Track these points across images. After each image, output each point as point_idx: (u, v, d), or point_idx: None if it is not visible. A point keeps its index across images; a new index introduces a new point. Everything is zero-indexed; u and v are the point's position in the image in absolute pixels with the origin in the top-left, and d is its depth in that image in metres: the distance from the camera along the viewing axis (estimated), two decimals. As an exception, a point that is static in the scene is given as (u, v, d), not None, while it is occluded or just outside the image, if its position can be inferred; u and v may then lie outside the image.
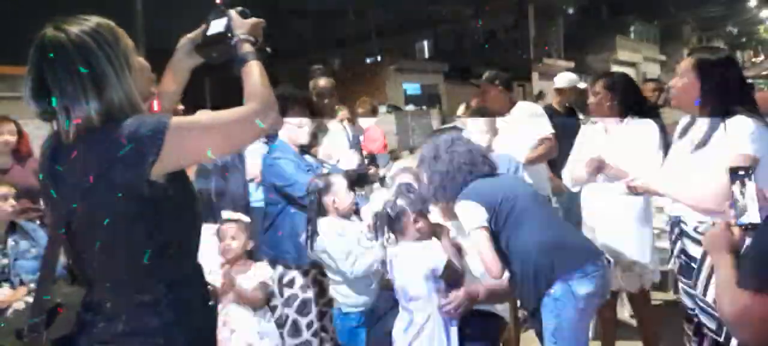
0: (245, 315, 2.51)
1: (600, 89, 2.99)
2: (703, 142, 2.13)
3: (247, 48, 1.45)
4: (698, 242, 2.08)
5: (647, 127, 2.84)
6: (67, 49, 1.26)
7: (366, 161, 3.89)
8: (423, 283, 2.27)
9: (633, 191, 2.47)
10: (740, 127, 2.03)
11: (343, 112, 4.08)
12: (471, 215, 2.28)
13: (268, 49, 1.54)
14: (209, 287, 2.41)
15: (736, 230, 1.44)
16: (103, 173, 1.23)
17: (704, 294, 2.06)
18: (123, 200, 1.23)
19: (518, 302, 3.47)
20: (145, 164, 1.22)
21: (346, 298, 2.68)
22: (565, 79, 4.75)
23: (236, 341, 2.45)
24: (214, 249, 2.61)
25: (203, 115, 1.35)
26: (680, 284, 2.30)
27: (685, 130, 2.30)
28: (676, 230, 2.24)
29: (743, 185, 1.45)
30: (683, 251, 2.21)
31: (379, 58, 20.15)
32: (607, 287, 2.41)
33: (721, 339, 2.01)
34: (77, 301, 1.32)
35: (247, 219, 2.68)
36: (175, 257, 1.34)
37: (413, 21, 28.03)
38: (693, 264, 2.14)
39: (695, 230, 2.14)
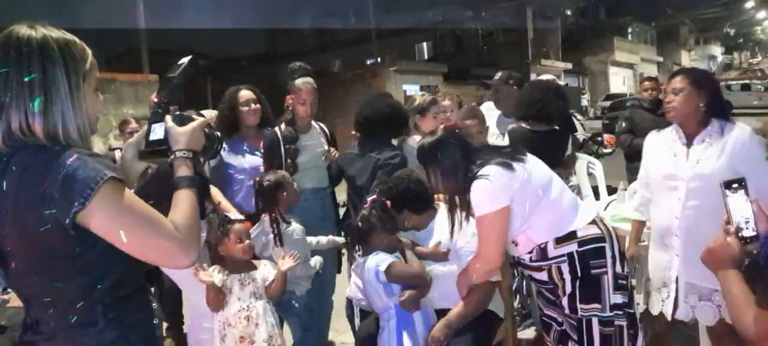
0: (266, 309, 2.56)
1: (684, 85, 2.33)
2: None
3: (181, 170, 1.36)
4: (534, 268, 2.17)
5: (749, 133, 2.30)
6: (30, 47, 1.21)
7: None
8: (374, 288, 2.35)
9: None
10: (474, 190, 2.03)
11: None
12: None
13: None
14: (225, 283, 2.46)
15: (736, 243, 1.41)
16: (33, 202, 1.17)
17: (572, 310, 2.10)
18: (51, 233, 1.17)
19: (516, 302, 3.48)
20: (70, 211, 1.15)
21: None
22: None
23: (259, 335, 2.51)
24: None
25: (147, 209, 1.24)
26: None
27: None
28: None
29: (737, 197, 1.44)
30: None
31: (379, 60, 20.16)
32: None
33: None
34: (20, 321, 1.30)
35: (241, 217, 2.70)
36: (113, 283, 1.28)
37: (413, 23, 28.09)
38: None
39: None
